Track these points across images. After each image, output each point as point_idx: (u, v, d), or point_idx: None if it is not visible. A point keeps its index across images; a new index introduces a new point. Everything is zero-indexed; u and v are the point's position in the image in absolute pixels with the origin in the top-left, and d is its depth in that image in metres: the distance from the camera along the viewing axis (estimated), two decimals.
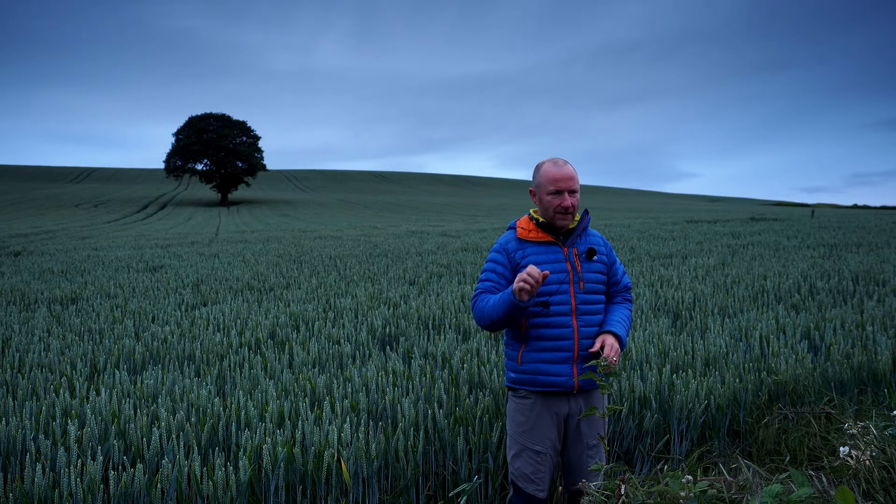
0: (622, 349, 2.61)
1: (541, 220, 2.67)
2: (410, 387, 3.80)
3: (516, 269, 2.65)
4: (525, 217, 2.73)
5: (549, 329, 2.59)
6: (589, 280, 2.64)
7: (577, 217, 2.70)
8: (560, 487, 2.98)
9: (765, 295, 6.86)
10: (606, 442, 2.50)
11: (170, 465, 2.77)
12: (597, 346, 2.56)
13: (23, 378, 4.16)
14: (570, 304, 2.59)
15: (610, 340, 2.56)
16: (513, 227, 2.74)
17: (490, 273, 2.69)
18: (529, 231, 2.66)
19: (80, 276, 9.83)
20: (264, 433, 3.14)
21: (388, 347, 4.97)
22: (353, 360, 4.66)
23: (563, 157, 2.68)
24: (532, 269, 2.39)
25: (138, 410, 3.43)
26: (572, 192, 2.58)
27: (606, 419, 2.73)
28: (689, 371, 3.87)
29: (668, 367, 3.91)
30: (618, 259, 2.81)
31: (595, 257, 2.67)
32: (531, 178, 2.72)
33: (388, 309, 6.32)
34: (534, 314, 2.61)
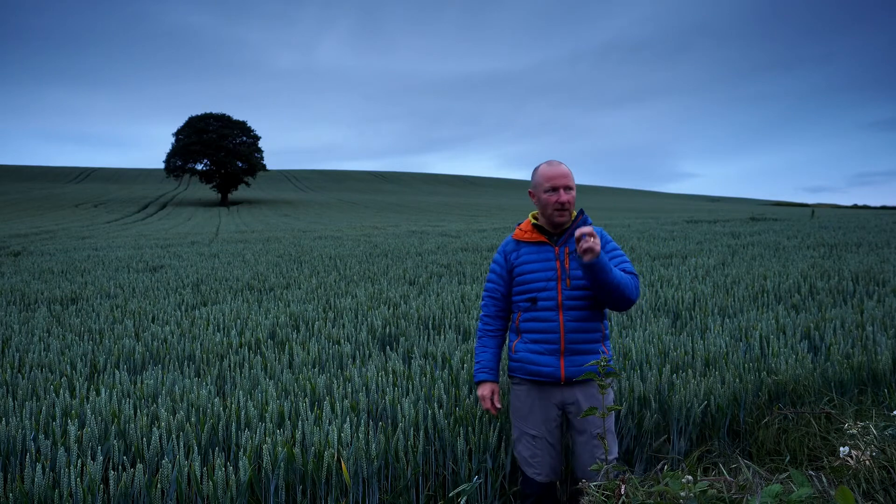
0: (603, 275, 2.53)
1: (537, 222, 2.85)
2: (410, 387, 3.80)
3: (512, 269, 2.87)
4: (526, 219, 2.90)
5: (538, 323, 2.78)
6: (576, 277, 2.75)
7: (574, 214, 2.83)
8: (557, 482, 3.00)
9: (765, 295, 6.86)
10: (605, 442, 2.50)
11: (170, 465, 2.77)
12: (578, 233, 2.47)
13: (23, 378, 4.16)
14: (557, 299, 2.74)
15: (589, 230, 2.47)
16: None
17: (491, 274, 2.98)
18: (525, 232, 2.85)
19: (80, 276, 9.83)
20: (264, 433, 3.14)
21: (388, 347, 4.97)
22: (353, 360, 4.66)
23: (564, 157, 2.80)
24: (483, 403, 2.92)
25: (138, 410, 3.43)
26: (567, 188, 2.72)
27: (604, 419, 2.73)
28: (689, 371, 3.87)
29: (667, 367, 3.91)
30: (618, 250, 2.83)
31: None
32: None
33: (388, 309, 6.32)
34: (524, 308, 2.80)
